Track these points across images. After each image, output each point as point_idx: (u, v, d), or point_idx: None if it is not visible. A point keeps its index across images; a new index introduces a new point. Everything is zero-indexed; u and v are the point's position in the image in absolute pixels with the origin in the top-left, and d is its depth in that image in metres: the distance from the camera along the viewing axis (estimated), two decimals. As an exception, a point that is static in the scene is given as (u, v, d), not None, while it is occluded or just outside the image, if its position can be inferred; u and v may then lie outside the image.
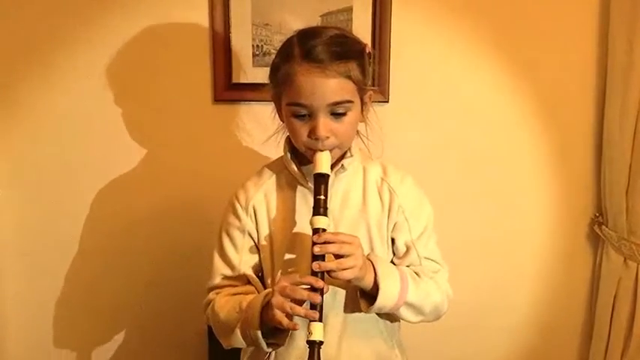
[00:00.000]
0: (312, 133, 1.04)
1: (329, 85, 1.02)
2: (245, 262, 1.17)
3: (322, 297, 0.99)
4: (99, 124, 1.64)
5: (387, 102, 1.64)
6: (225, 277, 1.18)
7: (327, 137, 1.04)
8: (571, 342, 1.85)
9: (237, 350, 1.24)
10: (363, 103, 1.10)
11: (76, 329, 1.76)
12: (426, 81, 1.67)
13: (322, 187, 1.04)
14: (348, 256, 1.00)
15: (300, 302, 0.99)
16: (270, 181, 1.18)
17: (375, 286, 1.05)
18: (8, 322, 1.73)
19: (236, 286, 1.17)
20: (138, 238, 1.71)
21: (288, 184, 1.17)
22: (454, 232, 1.67)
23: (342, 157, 1.13)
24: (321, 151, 1.05)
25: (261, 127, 1.59)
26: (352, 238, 1.03)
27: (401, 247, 1.16)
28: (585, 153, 1.73)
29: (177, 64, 1.62)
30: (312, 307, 0.99)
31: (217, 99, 1.64)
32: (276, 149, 1.21)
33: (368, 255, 1.09)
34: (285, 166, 1.15)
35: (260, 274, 1.19)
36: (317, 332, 0.98)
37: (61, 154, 1.66)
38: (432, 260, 1.18)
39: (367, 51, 1.09)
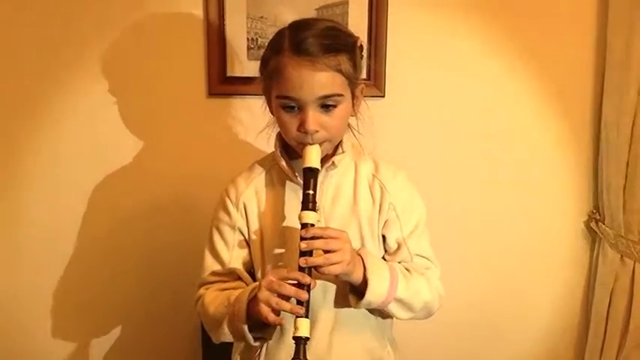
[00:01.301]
0: (302, 126, 1.03)
1: (318, 79, 1.00)
2: (235, 258, 1.17)
3: (309, 293, 0.98)
4: (90, 118, 1.63)
5: (383, 97, 1.63)
6: (216, 273, 1.17)
7: (317, 131, 1.03)
8: (567, 338, 1.85)
9: (231, 346, 1.24)
10: (354, 96, 1.09)
11: (67, 326, 1.75)
12: (422, 76, 1.66)
13: (311, 181, 1.03)
14: (335, 251, 1.00)
15: (287, 297, 0.98)
16: (260, 176, 1.18)
17: (364, 282, 1.04)
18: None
19: (226, 281, 1.17)
20: (130, 233, 1.70)
21: (278, 180, 1.16)
22: (449, 229, 1.67)
23: (334, 153, 1.12)
24: (311, 144, 1.05)
25: (255, 121, 1.56)
26: (340, 233, 1.02)
27: (392, 244, 1.16)
28: (582, 150, 1.73)
29: (172, 58, 1.61)
30: (299, 302, 0.98)
31: (212, 92, 1.63)
32: (270, 143, 1.20)
33: (358, 250, 1.08)
34: (276, 161, 1.15)
35: (251, 270, 1.19)
36: (303, 328, 0.97)
37: (52, 148, 1.65)
38: (423, 257, 1.17)
39: (359, 44, 1.08)
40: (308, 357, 0.98)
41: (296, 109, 1.03)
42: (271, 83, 1.06)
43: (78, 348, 1.76)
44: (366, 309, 1.13)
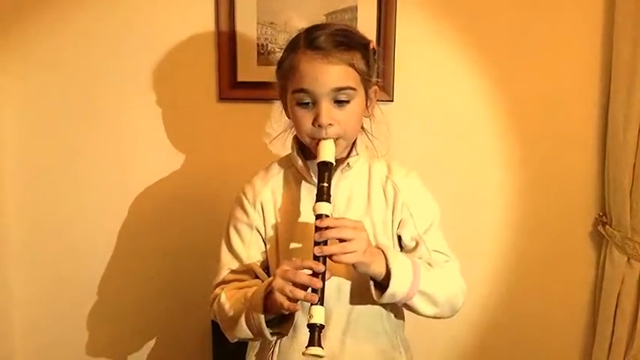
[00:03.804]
0: (316, 120, 1.06)
1: (331, 71, 1.04)
2: (252, 256, 1.18)
3: (324, 282, 0.98)
4: (103, 122, 1.66)
5: (392, 101, 1.65)
6: (233, 272, 1.18)
7: (330, 124, 1.05)
8: (574, 341, 1.84)
9: (240, 346, 1.24)
10: (368, 97, 1.12)
11: (79, 326, 1.76)
12: (430, 80, 1.68)
13: (326, 174, 1.05)
14: (350, 240, 0.99)
15: (301, 287, 0.98)
16: (277, 176, 1.20)
17: (387, 274, 1.03)
18: (14, 322, 1.74)
19: (243, 280, 1.17)
20: (142, 236, 1.71)
21: (295, 180, 1.18)
22: (459, 230, 1.66)
23: (348, 155, 1.14)
24: (325, 139, 1.06)
25: (265, 126, 1.61)
26: (355, 223, 1.03)
27: (408, 242, 1.16)
28: (589, 153, 1.73)
29: (183, 63, 1.64)
30: (313, 291, 0.98)
31: (222, 97, 1.65)
32: (281, 148, 1.22)
33: (378, 243, 1.09)
34: (293, 162, 1.16)
35: (266, 269, 1.19)
36: (317, 315, 0.97)
37: (66, 152, 1.67)
38: (440, 253, 1.17)
39: (372, 46, 1.11)
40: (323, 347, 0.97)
41: (310, 105, 1.06)
42: (287, 82, 1.09)
43: (87, 348, 1.77)
44: (382, 307, 1.14)
